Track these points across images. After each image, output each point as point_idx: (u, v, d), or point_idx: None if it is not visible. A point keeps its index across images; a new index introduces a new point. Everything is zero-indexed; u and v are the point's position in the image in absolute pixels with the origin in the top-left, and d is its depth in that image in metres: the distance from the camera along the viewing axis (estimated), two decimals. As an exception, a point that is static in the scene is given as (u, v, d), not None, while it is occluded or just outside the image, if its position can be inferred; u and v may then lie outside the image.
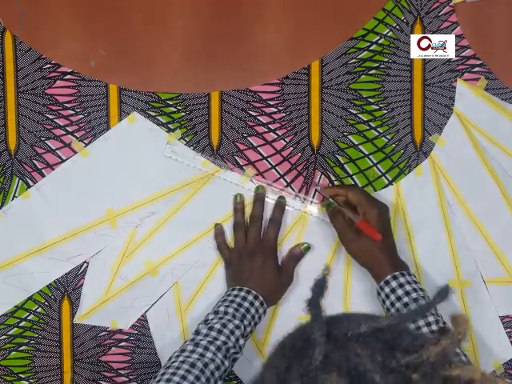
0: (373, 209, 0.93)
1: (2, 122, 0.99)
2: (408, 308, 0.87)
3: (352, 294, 1.00)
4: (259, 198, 0.98)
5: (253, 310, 0.91)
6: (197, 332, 0.88)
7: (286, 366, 0.58)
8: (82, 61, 0.99)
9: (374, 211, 0.93)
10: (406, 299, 0.88)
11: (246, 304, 0.90)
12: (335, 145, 1.00)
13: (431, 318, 0.86)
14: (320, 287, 0.60)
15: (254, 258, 0.96)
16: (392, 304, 0.89)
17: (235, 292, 0.92)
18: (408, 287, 0.89)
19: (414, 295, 0.88)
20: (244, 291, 0.92)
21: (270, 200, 0.99)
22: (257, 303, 0.91)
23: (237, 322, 0.88)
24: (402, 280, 0.89)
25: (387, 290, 0.90)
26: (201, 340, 0.85)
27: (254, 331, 0.92)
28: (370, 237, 0.91)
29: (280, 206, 0.99)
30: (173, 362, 0.82)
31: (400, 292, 0.88)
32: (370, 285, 0.99)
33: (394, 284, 0.89)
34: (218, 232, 1.00)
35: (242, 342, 0.88)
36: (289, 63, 0.99)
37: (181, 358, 0.83)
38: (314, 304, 0.59)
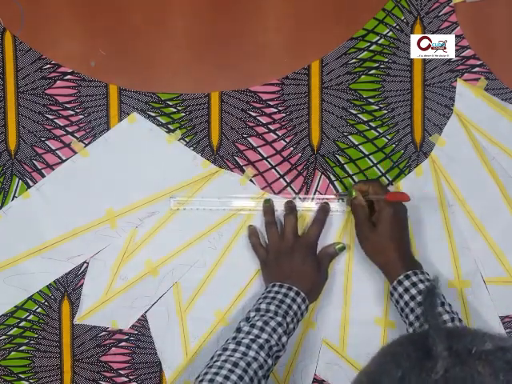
0: (388, 207, 0.92)
1: (1, 122, 0.99)
2: (422, 307, 0.85)
3: (352, 294, 1.00)
4: (289, 207, 0.99)
5: (295, 307, 0.89)
6: (238, 330, 0.87)
7: (400, 376, 0.56)
8: (82, 61, 0.99)
9: (389, 209, 0.92)
10: (419, 298, 0.87)
11: (288, 300, 0.89)
12: (335, 145, 1.00)
13: (446, 316, 0.86)
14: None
15: (293, 254, 0.95)
16: (406, 304, 0.88)
17: (276, 288, 0.91)
18: (421, 286, 0.88)
19: None
20: (285, 288, 0.91)
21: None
22: (299, 300, 0.90)
23: (279, 319, 0.87)
24: (414, 279, 0.89)
25: (400, 289, 0.89)
26: (243, 338, 0.84)
27: (296, 328, 0.90)
28: (405, 200, 0.93)
29: (324, 208, 0.99)
30: (215, 362, 0.82)
31: (413, 291, 0.88)
32: (370, 285, 0.99)
33: (406, 283, 0.89)
34: (252, 232, 0.99)
35: (284, 339, 0.87)
36: (289, 63, 0.99)
37: (223, 357, 0.82)
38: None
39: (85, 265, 1.00)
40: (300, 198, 1.00)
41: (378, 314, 1.00)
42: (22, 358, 1.02)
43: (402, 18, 0.98)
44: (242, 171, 1.00)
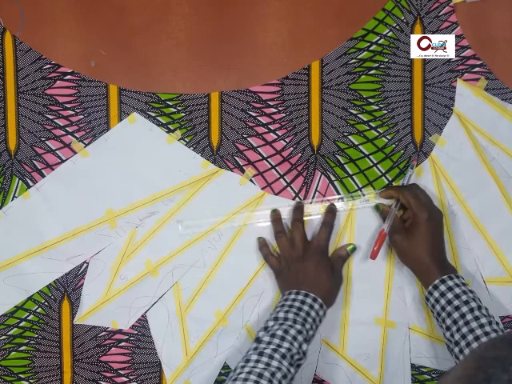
0: (422, 213, 0.92)
1: (1, 122, 0.99)
2: (459, 311, 0.86)
3: (352, 294, 1.00)
4: (296, 206, 0.99)
5: (313, 313, 0.89)
6: (258, 340, 0.86)
7: (507, 379, 0.54)
8: (82, 61, 0.99)
9: (423, 215, 0.92)
10: (456, 302, 0.87)
11: (306, 307, 0.89)
12: (335, 145, 1.00)
13: (484, 320, 0.86)
14: None
15: (305, 261, 0.94)
16: (443, 308, 0.88)
17: (292, 296, 0.91)
18: (457, 290, 0.88)
19: (464, 297, 0.87)
20: (302, 294, 0.90)
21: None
22: (316, 306, 0.90)
23: (298, 327, 0.86)
24: (450, 283, 0.89)
25: (436, 294, 0.89)
26: (264, 348, 0.84)
27: (315, 335, 0.90)
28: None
29: (331, 210, 0.98)
30: (239, 374, 0.81)
31: (450, 295, 0.88)
32: (370, 285, 0.99)
33: (442, 288, 0.89)
34: (262, 244, 0.99)
35: (305, 347, 0.86)
36: (289, 63, 0.99)
37: (247, 369, 0.81)
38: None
39: (85, 265, 1.00)
40: (299, 198, 1.00)
41: (378, 314, 1.00)
42: (21, 358, 1.02)
43: (402, 18, 0.98)
44: (242, 171, 1.00)
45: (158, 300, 1.00)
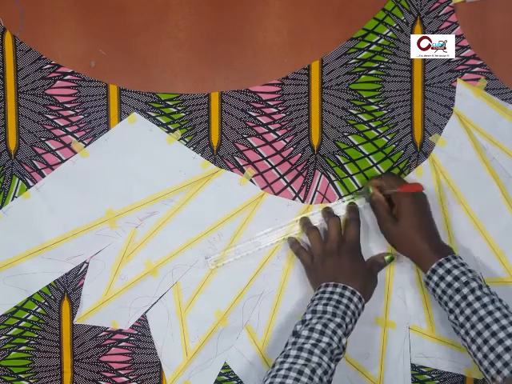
0: (405, 197, 0.92)
1: (2, 122, 0.99)
2: (461, 293, 0.85)
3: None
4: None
5: (352, 306, 0.87)
6: (297, 334, 0.85)
7: None
8: (82, 61, 0.99)
9: (406, 200, 0.92)
10: (456, 284, 0.86)
11: (345, 300, 0.87)
12: (335, 145, 1.00)
13: (486, 299, 0.85)
14: None
15: (340, 255, 0.93)
16: (444, 292, 0.87)
17: (330, 288, 0.89)
18: (456, 272, 0.87)
19: (463, 279, 0.86)
20: (340, 287, 0.89)
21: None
22: (355, 299, 0.88)
23: (338, 320, 0.85)
24: (448, 266, 0.88)
25: (435, 278, 0.88)
26: (303, 343, 0.82)
27: (354, 328, 0.88)
28: (418, 190, 0.94)
29: (353, 209, 0.98)
30: (278, 370, 0.80)
31: (449, 278, 0.87)
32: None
33: (441, 271, 0.88)
34: (292, 242, 0.98)
35: (344, 341, 0.85)
36: (289, 63, 0.99)
37: (286, 365, 0.80)
38: None
39: (85, 265, 1.00)
40: (299, 198, 1.00)
41: (378, 314, 1.00)
42: (21, 358, 1.02)
43: (402, 18, 0.98)
44: (242, 171, 1.00)
45: (158, 300, 1.00)
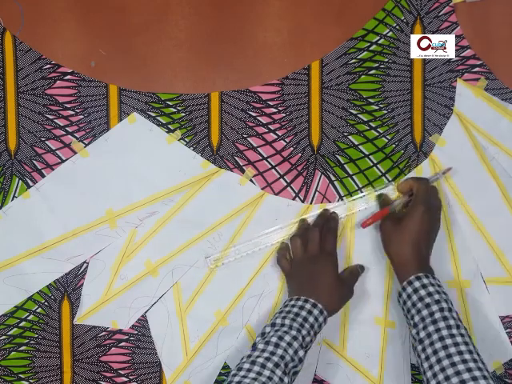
0: (422, 205, 0.91)
1: (2, 122, 0.99)
2: (429, 309, 0.85)
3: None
4: (321, 213, 0.99)
5: (311, 319, 0.87)
6: (254, 347, 0.86)
7: None
8: (82, 61, 0.99)
9: (421, 207, 0.91)
10: (428, 300, 0.86)
11: (304, 313, 0.88)
12: (335, 145, 1.00)
13: (451, 322, 0.85)
14: None
15: (314, 265, 0.93)
16: (413, 304, 0.87)
17: (292, 302, 0.90)
18: (431, 288, 0.87)
19: (436, 297, 0.86)
20: (301, 300, 0.89)
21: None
22: (315, 311, 0.88)
23: (294, 332, 0.85)
24: (425, 281, 0.88)
25: (410, 290, 0.88)
26: (257, 357, 0.83)
27: (314, 341, 0.89)
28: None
29: (333, 217, 0.98)
30: (229, 383, 0.81)
31: (423, 293, 0.87)
32: (370, 285, 0.99)
33: (417, 284, 0.88)
34: (281, 247, 0.99)
35: (301, 353, 0.85)
36: (289, 63, 0.99)
37: (237, 379, 0.81)
38: None
39: (85, 265, 1.00)
40: (299, 198, 1.00)
41: (378, 314, 1.00)
42: (22, 358, 1.02)
43: (402, 18, 0.98)
44: (242, 171, 1.00)
45: (158, 300, 1.00)
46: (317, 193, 1.00)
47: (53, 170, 0.99)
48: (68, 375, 1.02)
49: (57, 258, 1.00)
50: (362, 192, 1.00)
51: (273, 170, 1.00)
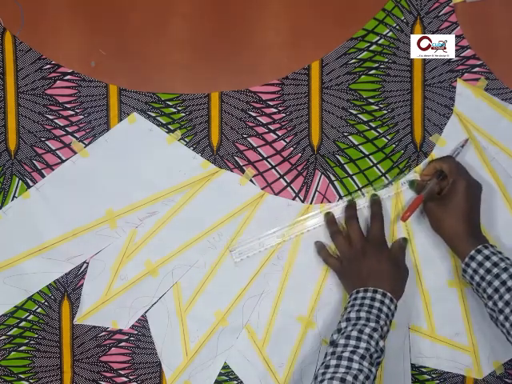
0: (462, 180, 0.92)
1: (2, 122, 0.99)
2: (499, 279, 0.86)
3: (352, 294, 1.00)
4: (348, 204, 0.99)
5: (385, 309, 0.88)
6: (334, 344, 0.85)
7: None
8: (82, 61, 0.99)
9: (462, 183, 0.91)
10: (495, 270, 0.86)
11: (377, 304, 0.88)
12: (335, 145, 1.00)
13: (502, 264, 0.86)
14: None
15: (366, 256, 0.93)
16: (482, 278, 0.87)
17: (361, 294, 0.90)
18: (495, 258, 0.87)
19: (502, 265, 0.87)
20: (370, 291, 0.90)
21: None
22: (387, 300, 0.89)
23: (373, 324, 0.85)
24: (486, 252, 0.88)
25: (474, 264, 0.88)
26: (342, 352, 0.83)
27: (390, 330, 0.89)
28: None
29: (376, 202, 0.98)
30: (321, 382, 0.80)
31: (488, 264, 0.87)
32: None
33: (479, 258, 0.88)
34: (320, 247, 0.99)
35: (381, 344, 0.85)
36: (289, 63, 0.99)
37: (328, 376, 0.80)
38: None
39: (85, 265, 1.00)
40: (299, 198, 1.00)
41: (378, 314, 1.00)
42: (22, 358, 1.02)
43: (402, 18, 0.98)
44: (242, 171, 1.00)
45: (158, 300, 1.00)
46: (317, 193, 1.00)
47: (53, 170, 0.99)
48: (68, 375, 1.02)
49: (57, 258, 1.00)
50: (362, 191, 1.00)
51: (273, 170, 1.00)
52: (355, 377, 0.80)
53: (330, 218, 0.99)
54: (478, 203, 0.94)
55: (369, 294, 0.89)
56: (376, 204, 0.98)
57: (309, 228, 1.00)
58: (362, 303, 0.88)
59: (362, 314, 0.87)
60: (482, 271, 0.88)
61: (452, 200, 0.92)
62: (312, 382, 0.82)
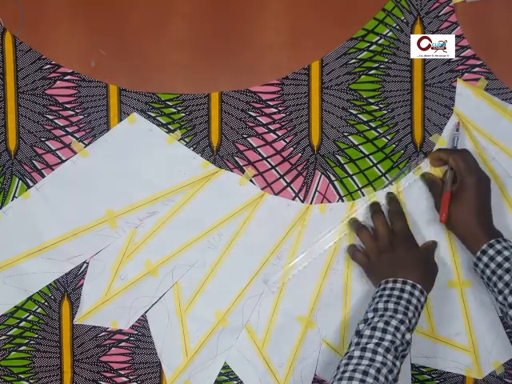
0: (471, 177, 0.92)
1: (1, 122, 0.99)
2: (511, 273, 0.86)
3: (352, 294, 1.00)
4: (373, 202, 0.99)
5: (414, 301, 0.87)
6: (359, 334, 0.85)
7: None
8: (82, 61, 0.99)
9: (471, 179, 0.92)
10: (507, 265, 0.87)
11: (406, 295, 0.87)
12: (335, 145, 1.00)
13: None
14: None
15: (395, 249, 0.93)
16: (493, 272, 0.87)
17: (390, 285, 0.89)
18: (506, 252, 0.87)
19: None
20: (400, 282, 0.88)
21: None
22: (417, 292, 0.88)
23: (400, 316, 0.85)
24: (498, 247, 0.88)
25: (485, 259, 0.88)
26: (367, 343, 0.82)
27: (418, 322, 0.88)
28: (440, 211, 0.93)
29: (394, 199, 0.98)
30: (343, 372, 0.80)
31: (499, 259, 0.87)
32: (369, 285, 0.99)
33: (491, 252, 0.88)
34: (348, 246, 0.99)
35: (408, 336, 0.84)
36: (289, 63, 0.99)
37: (351, 367, 0.80)
38: None
39: (85, 265, 1.00)
40: (299, 198, 1.00)
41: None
42: (22, 358, 1.02)
43: (402, 18, 0.98)
44: (242, 171, 1.00)
45: (158, 300, 1.01)
46: (317, 193, 1.00)
47: (53, 170, 0.99)
48: (68, 375, 1.02)
49: (57, 258, 1.00)
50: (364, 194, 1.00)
51: (273, 170, 1.00)
52: (378, 370, 0.79)
53: (353, 220, 0.98)
54: (488, 197, 0.94)
55: (398, 285, 0.88)
56: (394, 201, 0.98)
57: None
58: (390, 294, 0.87)
59: (390, 306, 0.86)
60: (493, 265, 0.88)
61: (462, 196, 0.92)
62: (335, 372, 0.82)
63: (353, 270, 1.00)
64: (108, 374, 1.02)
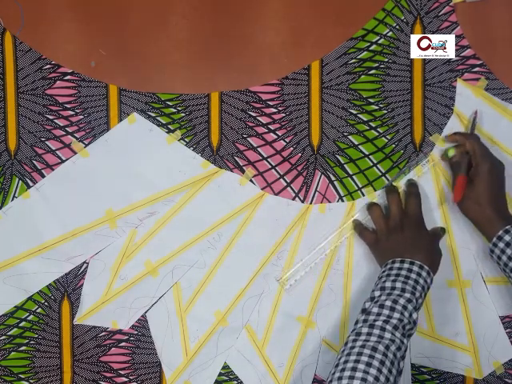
0: (486, 162, 0.92)
1: (1, 122, 0.99)
2: None
3: (352, 293, 1.00)
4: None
5: (422, 281, 0.87)
6: (366, 312, 0.85)
7: None
8: (82, 61, 0.99)
9: (486, 165, 0.92)
10: None
11: (414, 275, 0.87)
12: (335, 145, 1.00)
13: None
14: None
15: (404, 230, 0.93)
16: (510, 258, 0.88)
17: (397, 265, 0.89)
18: None
19: None
20: (407, 262, 0.89)
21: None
22: (424, 273, 0.88)
23: (408, 295, 0.85)
24: None
25: (501, 245, 0.89)
26: (375, 320, 0.82)
27: (423, 303, 0.88)
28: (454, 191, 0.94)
29: (413, 184, 0.97)
30: (352, 348, 0.80)
31: None
32: (369, 284, 0.99)
33: (507, 238, 0.88)
34: (356, 224, 0.98)
35: (415, 315, 0.84)
36: (289, 63, 0.99)
37: (359, 343, 0.80)
38: None
39: (85, 265, 1.00)
40: (299, 198, 1.00)
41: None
42: (22, 358, 1.02)
43: (402, 17, 0.98)
44: (242, 171, 1.00)
45: (158, 300, 1.01)
46: (317, 193, 1.00)
47: (53, 170, 0.99)
48: (68, 375, 1.02)
49: (57, 258, 1.00)
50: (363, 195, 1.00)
51: (273, 170, 1.00)
52: (387, 347, 0.79)
53: (370, 203, 0.99)
54: (502, 183, 0.94)
55: (406, 265, 0.88)
56: (412, 185, 0.97)
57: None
58: (398, 273, 0.88)
59: (398, 285, 0.86)
60: (509, 251, 0.88)
61: (477, 183, 0.92)
62: (342, 348, 0.82)
63: (353, 269, 1.00)
64: (108, 374, 1.02)
